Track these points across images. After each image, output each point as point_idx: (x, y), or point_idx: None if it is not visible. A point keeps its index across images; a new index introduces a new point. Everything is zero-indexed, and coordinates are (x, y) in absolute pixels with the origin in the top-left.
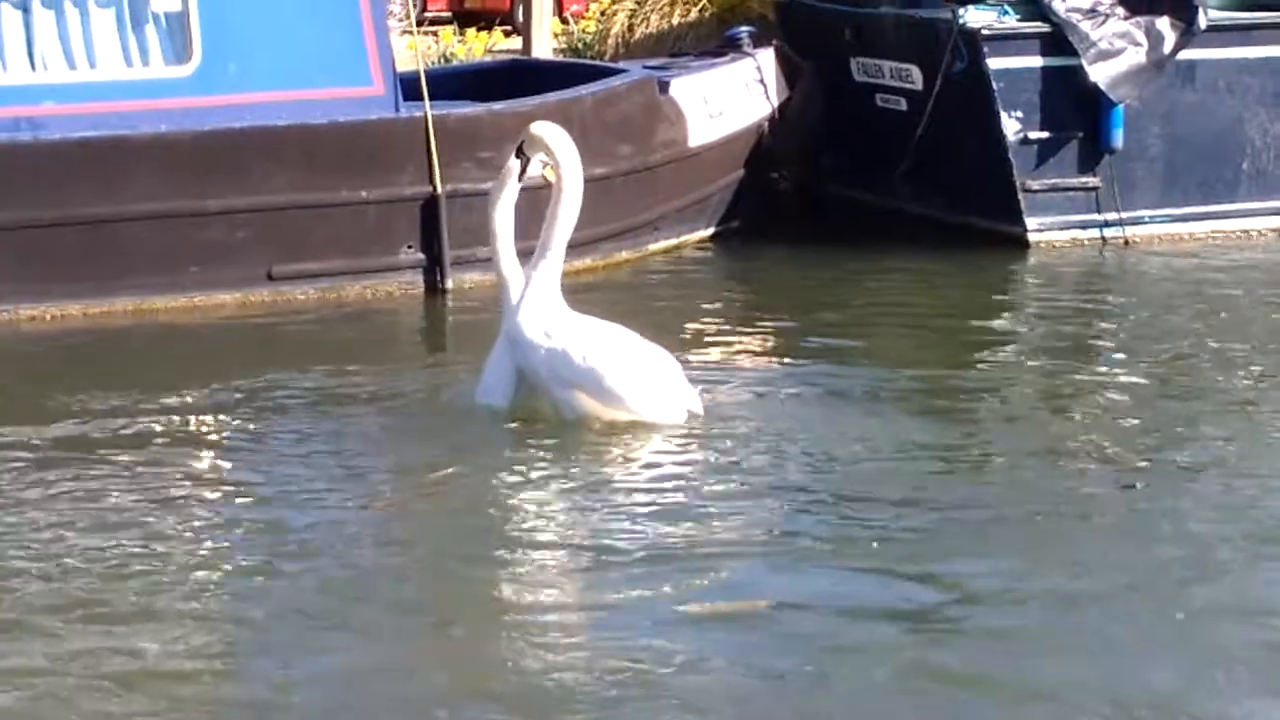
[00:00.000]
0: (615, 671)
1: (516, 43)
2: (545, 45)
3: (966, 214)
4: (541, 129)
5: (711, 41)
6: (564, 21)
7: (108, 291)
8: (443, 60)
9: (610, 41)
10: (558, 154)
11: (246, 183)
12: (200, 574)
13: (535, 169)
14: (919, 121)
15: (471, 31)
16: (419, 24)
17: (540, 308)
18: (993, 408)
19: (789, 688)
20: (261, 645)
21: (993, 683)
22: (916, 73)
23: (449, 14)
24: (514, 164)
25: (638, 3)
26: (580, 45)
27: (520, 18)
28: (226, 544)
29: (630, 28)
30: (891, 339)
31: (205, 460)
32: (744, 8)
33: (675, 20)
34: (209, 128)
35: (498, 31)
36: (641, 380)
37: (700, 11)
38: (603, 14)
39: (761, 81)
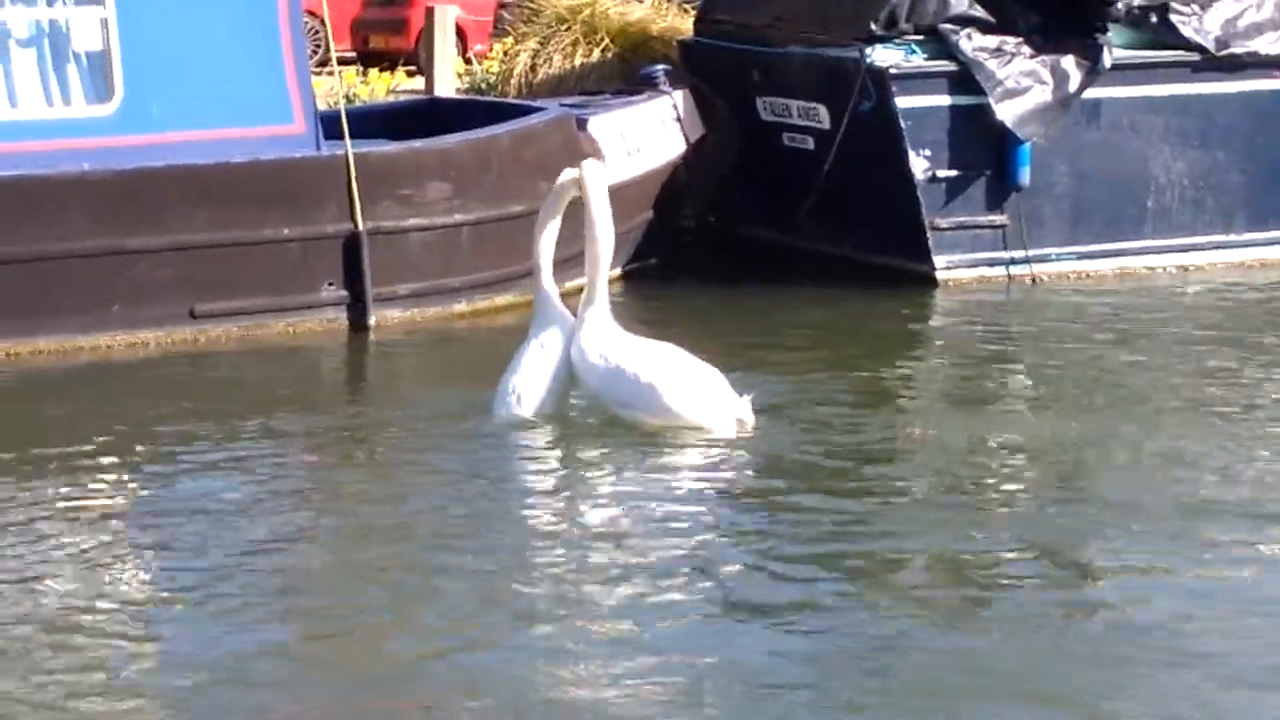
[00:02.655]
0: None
1: (419, 83)
2: (448, 85)
3: (875, 252)
4: (587, 168)
5: (614, 81)
6: (467, 62)
7: (29, 330)
8: (346, 101)
9: (513, 82)
10: (592, 197)
11: (169, 221)
12: (130, 621)
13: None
14: (826, 160)
15: (374, 72)
16: (323, 64)
17: (596, 335)
18: (900, 441)
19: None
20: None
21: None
22: (824, 112)
23: (353, 54)
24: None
25: (540, 43)
26: (483, 85)
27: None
28: (157, 585)
29: (533, 68)
30: (798, 378)
31: (125, 501)
32: (647, 48)
33: (578, 60)
34: (131, 167)
35: (401, 72)
36: (694, 394)
37: (603, 52)
38: (505, 54)
39: (677, 120)
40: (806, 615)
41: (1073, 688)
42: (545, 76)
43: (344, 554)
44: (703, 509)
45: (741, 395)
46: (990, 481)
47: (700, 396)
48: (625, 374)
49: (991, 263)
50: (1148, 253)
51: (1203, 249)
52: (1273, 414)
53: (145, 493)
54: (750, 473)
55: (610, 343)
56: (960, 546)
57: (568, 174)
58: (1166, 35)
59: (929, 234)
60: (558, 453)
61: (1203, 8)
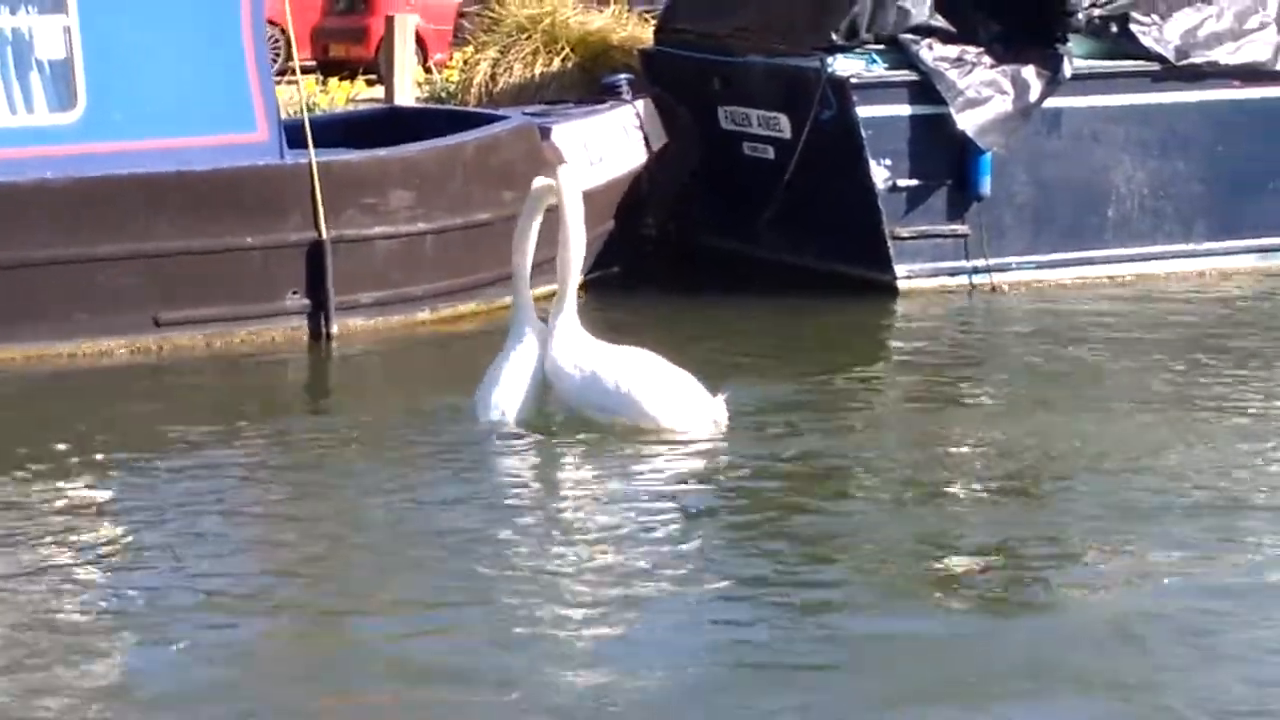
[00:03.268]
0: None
1: (379, 91)
2: (408, 94)
3: (836, 262)
4: (562, 174)
5: (574, 91)
6: (428, 70)
7: None
8: (305, 109)
9: (473, 91)
10: (567, 204)
11: (132, 229)
12: (118, 627)
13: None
14: (787, 170)
15: (334, 81)
16: (283, 73)
17: (569, 342)
18: (860, 449)
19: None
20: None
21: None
22: (785, 121)
23: (313, 62)
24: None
25: (501, 52)
26: (443, 94)
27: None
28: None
29: (493, 77)
30: (761, 386)
31: (91, 509)
32: (607, 57)
33: (538, 70)
34: (94, 175)
35: (360, 81)
36: (670, 397)
37: (563, 61)
38: (466, 63)
39: (640, 129)
40: (800, 611)
41: (1099, 676)
42: (506, 85)
43: (325, 558)
44: (684, 510)
45: (715, 395)
46: (961, 482)
47: (676, 399)
48: (601, 380)
49: (952, 272)
50: (1108, 262)
51: (1163, 258)
52: (1243, 413)
53: (112, 501)
54: (727, 474)
55: (584, 349)
56: (939, 542)
57: (542, 181)
58: (1127, 45)
59: (890, 243)
60: (536, 458)
61: (1163, 18)
